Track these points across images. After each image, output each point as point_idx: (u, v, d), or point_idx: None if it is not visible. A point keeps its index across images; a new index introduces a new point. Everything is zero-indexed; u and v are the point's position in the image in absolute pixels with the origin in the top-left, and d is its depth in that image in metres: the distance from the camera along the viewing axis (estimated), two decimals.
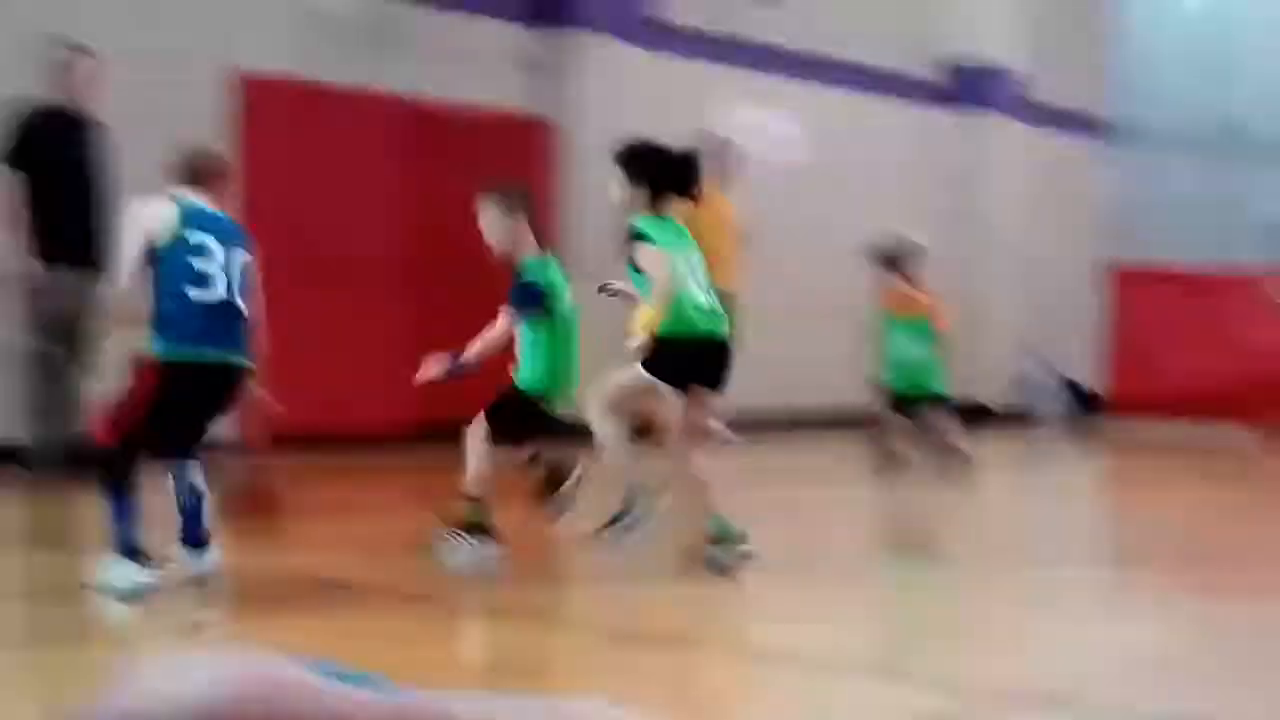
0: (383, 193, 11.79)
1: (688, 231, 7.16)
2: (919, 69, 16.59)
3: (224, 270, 6.08)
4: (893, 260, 11.75)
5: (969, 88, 17.14)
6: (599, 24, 13.08)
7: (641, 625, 6.15)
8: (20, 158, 8.80)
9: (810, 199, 14.87)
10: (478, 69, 12.47)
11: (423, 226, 11.94)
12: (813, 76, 15.20)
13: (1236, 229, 17.20)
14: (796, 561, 7.53)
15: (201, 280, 6.00)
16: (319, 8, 11.39)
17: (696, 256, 7.04)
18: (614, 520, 7.15)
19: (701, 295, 6.93)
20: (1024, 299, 16.24)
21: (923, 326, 11.60)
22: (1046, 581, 7.61)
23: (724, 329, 7.03)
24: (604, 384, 7.08)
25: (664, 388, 6.90)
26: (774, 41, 14.49)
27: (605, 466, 7.21)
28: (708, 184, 12.78)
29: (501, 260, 7.28)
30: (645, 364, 6.83)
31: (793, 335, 14.37)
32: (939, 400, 11.65)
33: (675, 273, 6.80)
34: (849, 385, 13.09)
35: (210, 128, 10.66)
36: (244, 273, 6.21)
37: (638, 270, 6.87)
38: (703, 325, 6.90)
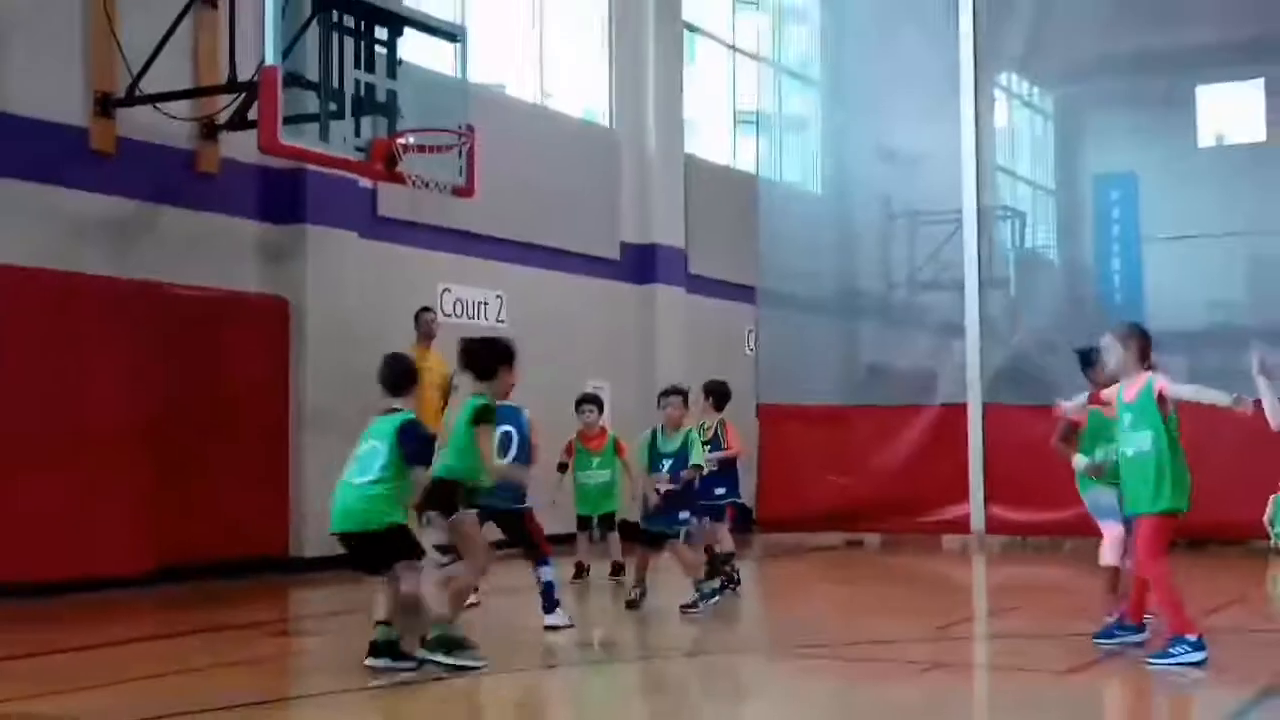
0: (131, 368, 11.35)
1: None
2: (598, 249, 16.88)
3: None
4: (594, 399, 11.90)
5: (641, 264, 17.51)
6: (325, 217, 12.98)
7: None
8: None
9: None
10: (217, 258, 12.23)
11: (168, 398, 11.55)
12: (509, 257, 15.33)
13: (854, 371, 17.82)
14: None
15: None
16: (68, 209, 11.02)
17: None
18: None
19: None
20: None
21: (608, 457, 11.76)
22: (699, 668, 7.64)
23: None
24: None
25: None
26: (475, 229, 14.57)
27: None
28: (418, 347, 12.86)
29: None
30: None
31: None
32: (611, 519, 11.81)
33: None
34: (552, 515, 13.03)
35: None
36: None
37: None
38: None
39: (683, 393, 10.10)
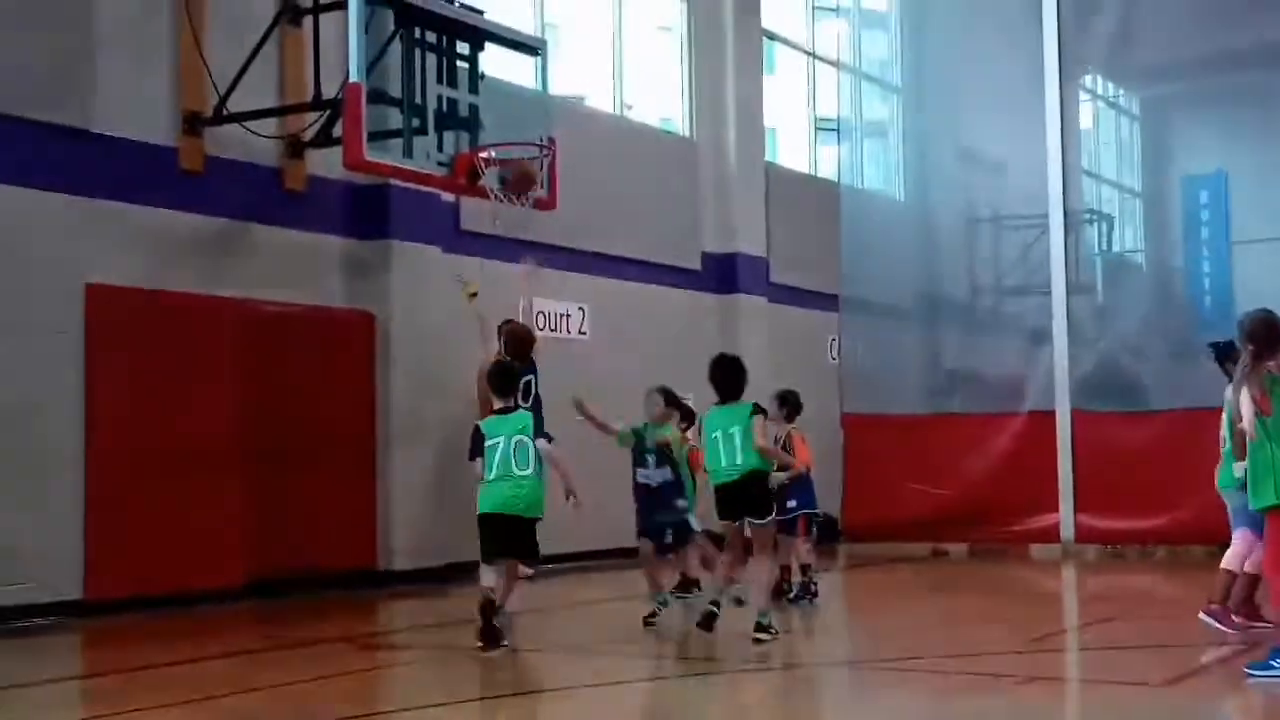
0: (221, 384, 11.50)
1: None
2: (680, 259, 16.86)
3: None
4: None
5: (723, 274, 17.47)
6: (410, 232, 13.07)
7: None
8: None
9: (595, 368, 14.88)
10: (304, 274, 12.36)
11: (258, 414, 11.68)
12: (592, 269, 15.35)
13: (939, 379, 17.65)
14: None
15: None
16: (158, 227, 11.19)
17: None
18: None
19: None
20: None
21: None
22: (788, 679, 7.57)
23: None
24: None
25: None
26: (556, 241, 14.59)
27: None
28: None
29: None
30: None
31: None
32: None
33: None
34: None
35: (64, 335, 10.43)
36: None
37: None
38: None
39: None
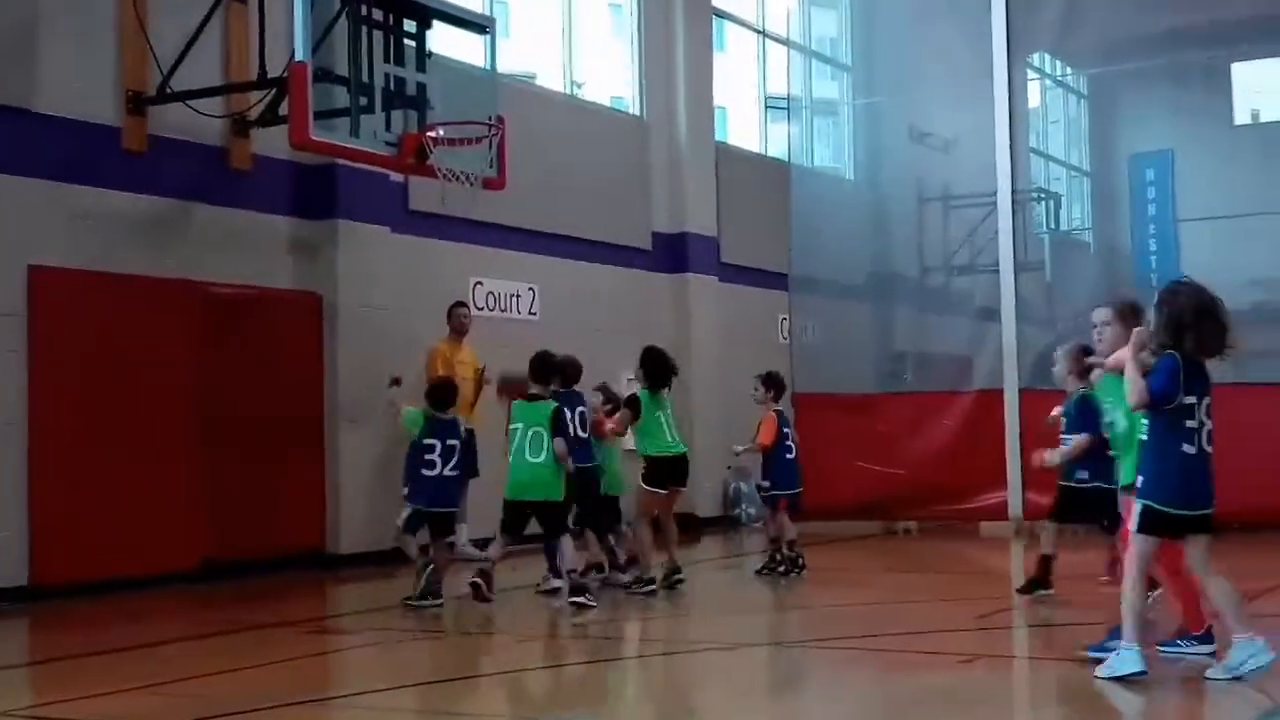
0: (167, 367, 11.43)
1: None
2: (630, 239, 16.87)
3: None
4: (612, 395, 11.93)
5: (673, 253, 17.48)
6: (357, 212, 13.01)
7: None
8: None
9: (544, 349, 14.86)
10: (250, 254, 12.28)
11: (204, 396, 11.63)
12: (541, 249, 15.33)
13: (888, 357, 17.77)
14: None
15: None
16: (101, 208, 11.09)
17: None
18: None
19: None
20: (725, 424, 16.42)
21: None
22: (734, 660, 7.63)
23: None
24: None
25: None
26: (506, 221, 14.57)
27: None
28: (450, 341, 12.83)
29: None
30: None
31: None
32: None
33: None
34: None
35: (8, 318, 10.34)
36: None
37: None
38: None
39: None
